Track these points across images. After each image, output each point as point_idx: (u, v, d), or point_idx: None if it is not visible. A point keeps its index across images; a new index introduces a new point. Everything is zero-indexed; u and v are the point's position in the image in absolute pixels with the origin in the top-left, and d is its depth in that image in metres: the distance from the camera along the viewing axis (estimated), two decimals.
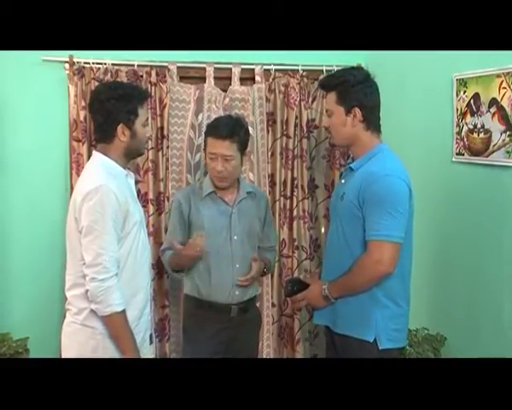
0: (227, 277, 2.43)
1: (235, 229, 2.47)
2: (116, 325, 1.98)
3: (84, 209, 1.96)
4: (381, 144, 2.17)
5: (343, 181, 2.24)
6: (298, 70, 3.15)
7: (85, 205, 1.95)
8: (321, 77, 3.15)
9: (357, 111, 2.10)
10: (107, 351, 2.00)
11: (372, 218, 2.03)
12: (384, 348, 2.06)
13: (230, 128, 2.44)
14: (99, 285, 1.92)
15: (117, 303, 1.95)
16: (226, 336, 2.45)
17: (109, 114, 2.05)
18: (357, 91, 2.10)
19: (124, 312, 1.98)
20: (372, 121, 2.15)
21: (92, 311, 1.98)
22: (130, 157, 2.18)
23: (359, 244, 2.08)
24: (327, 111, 2.23)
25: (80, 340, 2.03)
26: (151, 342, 2.22)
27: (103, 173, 2.02)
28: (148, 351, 2.18)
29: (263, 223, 2.61)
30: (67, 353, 2.06)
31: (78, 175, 2.59)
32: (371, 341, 2.06)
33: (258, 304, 3.08)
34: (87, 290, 1.96)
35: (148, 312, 2.18)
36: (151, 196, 2.95)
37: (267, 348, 3.15)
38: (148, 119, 2.25)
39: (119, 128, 2.06)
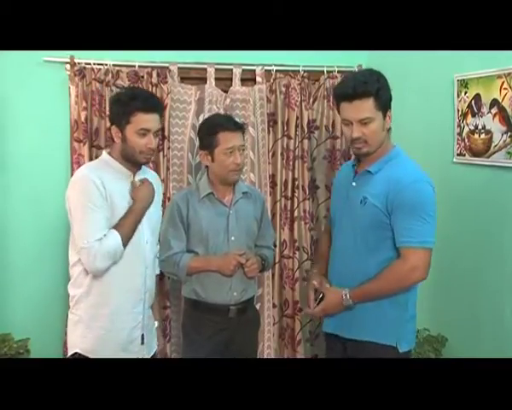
0: (225, 278, 2.41)
1: (233, 230, 2.46)
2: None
3: (68, 200, 2.11)
4: (396, 146, 2.16)
5: (354, 184, 2.16)
6: (299, 71, 3.16)
7: (68, 196, 2.11)
8: (322, 78, 3.16)
9: (390, 113, 2.09)
10: (93, 336, 2.11)
11: (405, 224, 2.01)
12: (403, 351, 2.06)
13: (237, 121, 2.54)
14: (94, 264, 2.05)
15: (114, 246, 2.06)
16: (224, 338, 2.44)
17: (109, 115, 2.26)
18: (389, 94, 2.08)
19: (119, 233, 2.08)
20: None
21: (79, 299, 2.13)
22: (129, 161, 2.20)
23: (384, 250, 2.06)
24: (363, 120, 2.03)
25: (71, 327, 2.17)
26: (142, 343, 2.24)
27: (90, 166, 2.22)
28: (139, 350, 2.22)
29: (259, 223, 2.61)
30: (68, 340, 2.21)
31: None
32: (394, 345, 2.05)
33: (258, 305, 3.08)
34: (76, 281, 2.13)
35: (140, 311, 2.21)
36: None
37: (268, 349, 3.15)
38: (149, 130, 2.14)
39: (113, 129, 2.17)
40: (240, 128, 2.47)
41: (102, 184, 2.08)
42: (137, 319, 2.20)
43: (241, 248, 2.45)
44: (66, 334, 2.31)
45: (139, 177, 2.23)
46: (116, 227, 2.09)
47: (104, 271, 2.08)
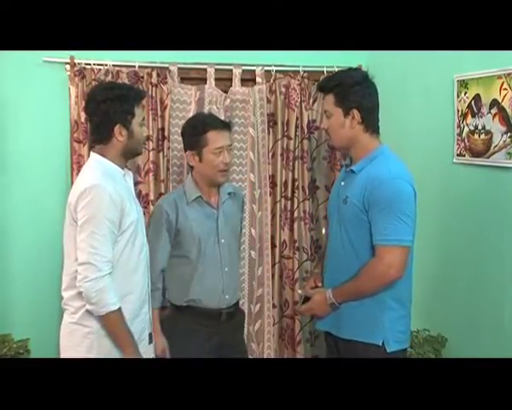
0: (217, 281, 2.39)
1: (222, 232, 2.42)
2: (113, 323, 1.99)
3: (79, 208, 1.98)
4: (381, 146, 2.16)
5: (343, 183, 2.20)
6: (298, 71, 3.16)
7: (80, 203, 1.97)
8: (321, 78, 3.16)
9: (356, 113, 2.09)
10: (102, 350, 2.01)
11: (381, 222, 2.01)
12: (392, 351, 2.06)
13: (224, 120, 2.54)
14: (92, 286, 1.93)
15: (112, 302, 1.96)
16: (217, 342, 2.40)
17: (106, 115, 2.06)
18: (355, 93, 2.09)
19: (120, 310, 1.98)
20: (371, 123, 2.13)
21: (88, 310, 2.00)
22: (128, 157, 2.18)
23: (365, 248, 2.07)
24: (325, 112, 2.20)
25: (75, 340, 2.04)
26: (150, 342, 2.22)
27: (98, 173, 2.04)
28: (147, 350, 2.18)
29: (241, 222, 2.61)
30: (64, 354, 2.07)
31: None
32: (380, 344, 2.06)
33: (258, 305, 3.10)
34: (81, 291, 1.97)
35: (146, 311, 2.18)
36: (152, 196, 2.95)
37: (268, 349, 3.15)
38: (144, 118, 2.23)
39: (116, 129, 2.06)
40: (227, 127, 2.45)
41: (120, 195, 2.01)
42: (145, 320, 2.18)
43: (231, 249, 2.45)
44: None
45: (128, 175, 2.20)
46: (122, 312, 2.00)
47: (87, 297, 1.94)
